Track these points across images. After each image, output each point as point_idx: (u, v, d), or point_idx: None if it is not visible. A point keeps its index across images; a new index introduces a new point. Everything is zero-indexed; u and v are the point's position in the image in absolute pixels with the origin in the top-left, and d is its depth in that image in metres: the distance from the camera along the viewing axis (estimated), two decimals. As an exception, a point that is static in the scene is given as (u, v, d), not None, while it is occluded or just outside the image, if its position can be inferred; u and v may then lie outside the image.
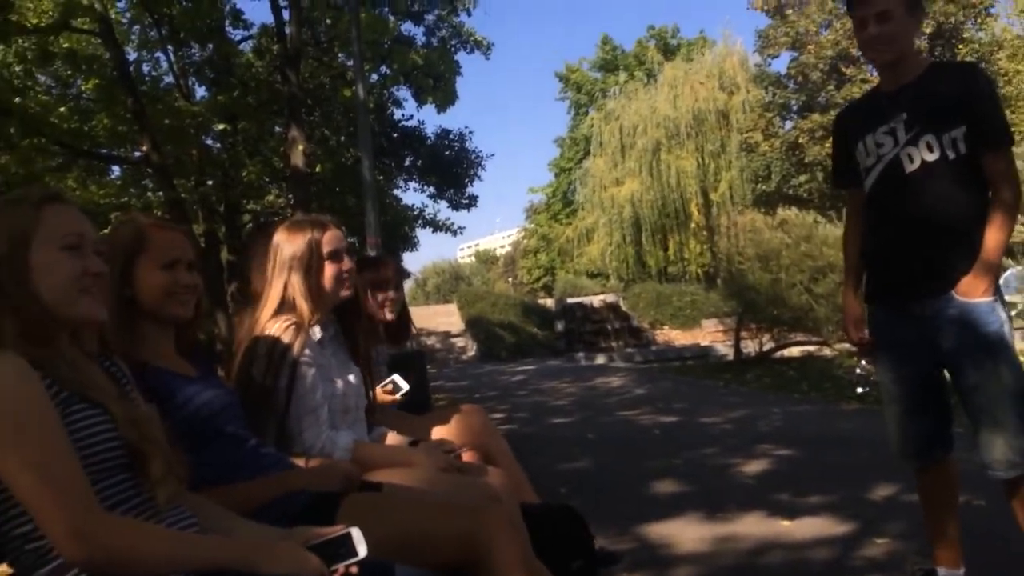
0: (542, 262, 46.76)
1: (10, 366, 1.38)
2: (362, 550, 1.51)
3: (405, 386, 3.07)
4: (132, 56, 15.80)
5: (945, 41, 26.54)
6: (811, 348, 14.10)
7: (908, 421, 2.71)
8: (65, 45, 14.02)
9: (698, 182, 31.44)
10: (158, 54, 16.69)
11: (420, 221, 21.25)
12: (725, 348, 17.50)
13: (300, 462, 2.18)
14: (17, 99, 12.61)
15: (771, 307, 13.15)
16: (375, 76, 18.38)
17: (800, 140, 27.46)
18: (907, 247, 2.59)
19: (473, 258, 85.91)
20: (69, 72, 14.97)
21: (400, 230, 20.85)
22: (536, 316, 26.22)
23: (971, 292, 2.48)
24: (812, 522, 3.88)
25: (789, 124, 29.53)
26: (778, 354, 14.26)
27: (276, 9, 14.19)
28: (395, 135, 20.36)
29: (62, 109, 14.70)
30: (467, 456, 2.64)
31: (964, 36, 26.63)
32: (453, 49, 19.03)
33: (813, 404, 8.67)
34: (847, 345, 12.58)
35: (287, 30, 13.81)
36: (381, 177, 18.53)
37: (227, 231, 17.39)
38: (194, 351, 2.03)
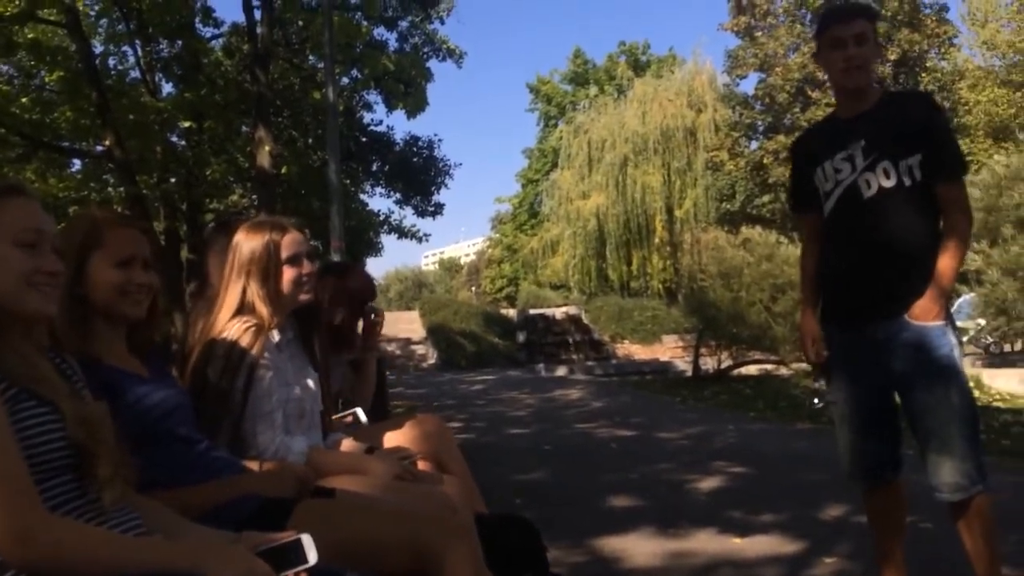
0: (506, 272, 46.81)
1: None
2: (312, 557, 1.49)
3: (364, 420, 3.06)
4: (98, 49, 15.59)
5: (908, 69, 27.12)
6: (768, 367, 14.27)
7: (859, 442, 2.75)
8: (30, 35, 13.78)
9: (663, 198, 31.71)
10: (125, 48, 16.46)
11: (385, 227, 21.16)
12: (684, 364, 17.64)
13: (253, 466, 2.15)
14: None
15: (731, 325, 13.30)
16: (345, 79, 18.31)
17: (765, 161, 27.85)
18: (864, 270, 2.63)
19: (437, 266, 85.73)
20: (33, 63, 14.70)
21: (365, 235, 20.73)
22: (498, 326, 26.24)
23: (924, 316, 2.53)
24: (763, 540, 3.92)
25: (755, 144, 29.97)
26: (736, 372, 14.41)
27: (248, 8, 14.10)
28: (364, 139, 20.28)
29: (24, 100, 14.44)
30: (422, 465, 2.63)
31: (927, 65, 27.23)
32: (425, 56, 19.04)
33: (768, 423, 8.77)
34: (803, 365, 12.75)
35: (258, 30, 13.72)
36: (348, 181, 18.44)
37: (188, 230, 17.16)
38: (148, 351, 2.00)
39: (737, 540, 3.93)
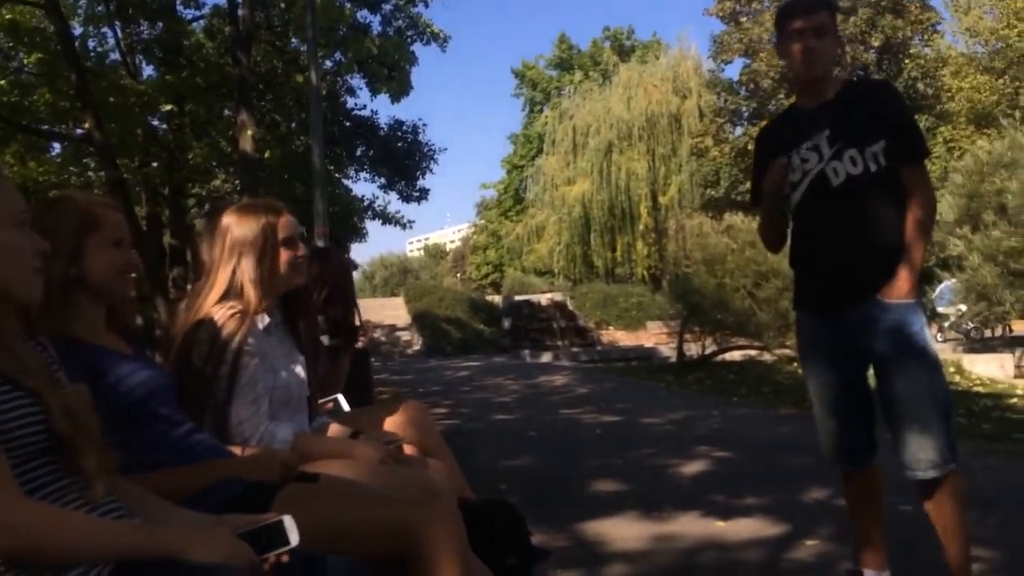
0: (491, 258, 46.79)
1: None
2: (294, 539, 1.49)
3: (345, 407, 3.06)
4: (78, 31, 15.34)
5: (892, 55, 27.21)
6: (752, 352, 14.35)
7: (836, 426, 2.78)
8: (7, 16, 13.56)
9: (648, 185, 31.76)
10: (105, 30, 16.21)
11: (370, 213, 21.04)
12: (668, 350, 17.70)
13: (237, 452, 2.14)
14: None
15: (715, 311, 13.36)
16: (329, 63, 18.13)
17: (749, 147, 27.79)
18: (836, 257, 2.67)
19: (422, 252, 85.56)
20: (11, 44, 14.48)
21: (349, 220, 20.60)
22: (483, 312, 26.24)
23: (897, 293, 2.57)
24: (746, 523, 3.95)
25: (739, 130, 30.02)
26: (719, 358, 14.48)
27: (230, -10, 13.93)
28: (347, 124, 20.09)
29: (2, 82, 14.22)
30: (408, 449, 2.63)
31: (911, 51, 27.32)
32: (409, 40, 18.86)
33: (751, 408, 8.82)
34: (787, 351, 12.85)
35: (240, 12, 13.53)
36: (331, 166, 18.31)
37: (171, 214, 17.01)
38: (126, 332, 1.99)
39: (720, 523, 3.96)
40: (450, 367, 17.07)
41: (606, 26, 44.01)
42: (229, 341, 2.21)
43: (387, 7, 18.59)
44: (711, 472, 5.33)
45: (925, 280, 13.89)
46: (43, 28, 13.99)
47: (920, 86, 26.77)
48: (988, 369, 12.45)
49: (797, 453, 5.65)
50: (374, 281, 67.05)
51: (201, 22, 17.14)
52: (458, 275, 56.41)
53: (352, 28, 17.54)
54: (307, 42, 11.85)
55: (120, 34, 15.86)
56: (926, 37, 27.80)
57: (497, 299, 28.94)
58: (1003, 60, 26.68)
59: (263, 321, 2.34)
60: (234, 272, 2.31)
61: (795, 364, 12.02)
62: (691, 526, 3.94)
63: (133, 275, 1.95)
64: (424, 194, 21.03)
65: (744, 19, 28.83)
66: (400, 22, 18.81)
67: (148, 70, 16.96)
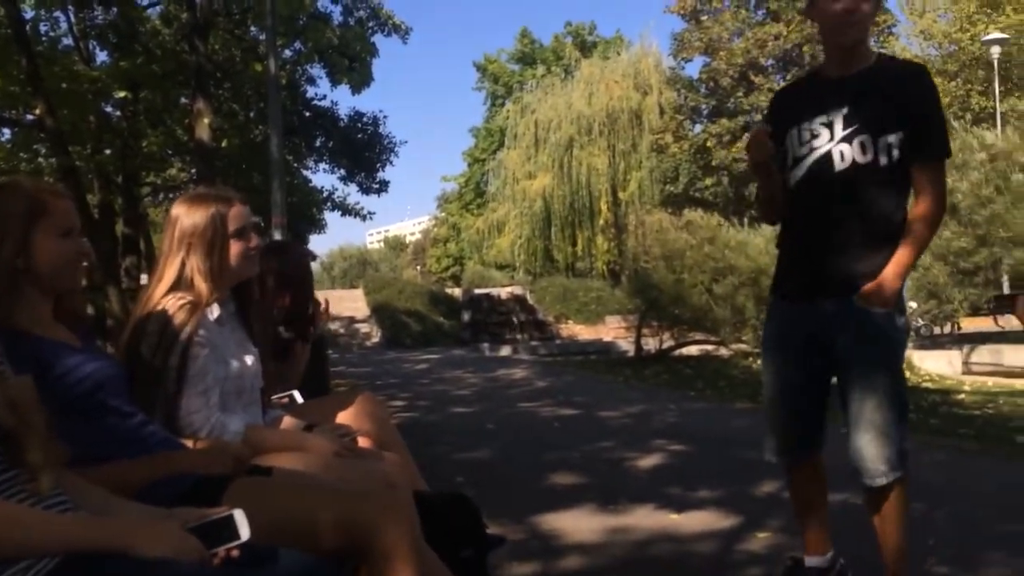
0: (451, 251, 46.73)
1: None
2: (244, 533, 1.47)
3: (300, 401, 3.02)
4: (29, 15, 14.96)
5: (848, 57, 27.55)
6: (708, 347, 14.51)
7: (789, 419, 2.76)
8: (-45, -2, 13.19)
9: (608, 180, 31.94)
10: (57, 14, 15.86)
11: (329, 204, 20.87)
12: (627, 344, 17.83)
13: (189, 444, 2.11)
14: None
15: (673, 306, 13.49)
16: (288, 52, 17.92)
17: (708, 144, 28.19)
18: (824, 246, 2.58)
19: (382, 244, 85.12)
20: (-41, 27, 14.09)
21: (308, 211, 20.42)
22: (443, 305, 26.21)
23: (876, 301, 2.48)
24: (699, 515, 4.00)
25: (699, 127, 30.31)
26: (677, 352, 14.63)
27: (187, -24, 13.70)
28: (307, 114, 19.89)
29: (-51, 65, 13.83)
30: (362, 442, 2.61)
31: (865, 53, 27.71)
32: (370, 31, 18.70)
33: (708, 402, 8.92)
34: (742, 346, 13.02)
35: (197, -1, 13.32)
36: (290, 156, 18.11)
37: (124, 203, 16.72)
38: (75, 322, 1.95)
39: (674, 516, 4.00)
40: (409, 360, 17.01)
41: (568, 21, 44.07)
42: (179, 332, 2.17)
43: (348, -3, 18.41)
44: (667, 465, 5.37)
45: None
46: (-7, 11, 13.61)
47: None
48: (937, 365, 12.74)
49: (751, 447, 5.67)
50: (333, 272, 66.60)
51: (157, 8, 16.85)
52: (418, 268, 56.26)
53: (312, 17, 17.34)
54: (266, 30, 11.69)
55: (73, 19, 15.53)
56: (881, 39, 28.25)
57: (457, 292, 28.92)
58: (955, 63, 27.29)
59: (214, 312, 2.30)
60: (183, 263, 2.27)
61: (751, 359, 12.20)
62: (646, 519, 3.97)
63: (84, 264, 1.91)
64: (384, 186, 20.92)
65: (705, 18, 29.11)
66: (361, 12, 18.64)
67: (102, 56, 16.65)
